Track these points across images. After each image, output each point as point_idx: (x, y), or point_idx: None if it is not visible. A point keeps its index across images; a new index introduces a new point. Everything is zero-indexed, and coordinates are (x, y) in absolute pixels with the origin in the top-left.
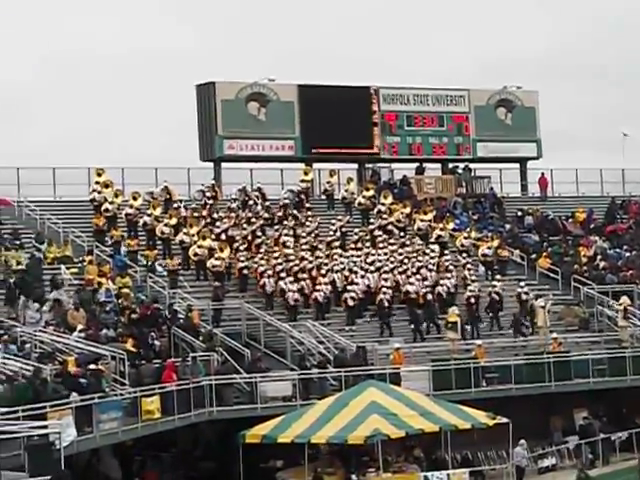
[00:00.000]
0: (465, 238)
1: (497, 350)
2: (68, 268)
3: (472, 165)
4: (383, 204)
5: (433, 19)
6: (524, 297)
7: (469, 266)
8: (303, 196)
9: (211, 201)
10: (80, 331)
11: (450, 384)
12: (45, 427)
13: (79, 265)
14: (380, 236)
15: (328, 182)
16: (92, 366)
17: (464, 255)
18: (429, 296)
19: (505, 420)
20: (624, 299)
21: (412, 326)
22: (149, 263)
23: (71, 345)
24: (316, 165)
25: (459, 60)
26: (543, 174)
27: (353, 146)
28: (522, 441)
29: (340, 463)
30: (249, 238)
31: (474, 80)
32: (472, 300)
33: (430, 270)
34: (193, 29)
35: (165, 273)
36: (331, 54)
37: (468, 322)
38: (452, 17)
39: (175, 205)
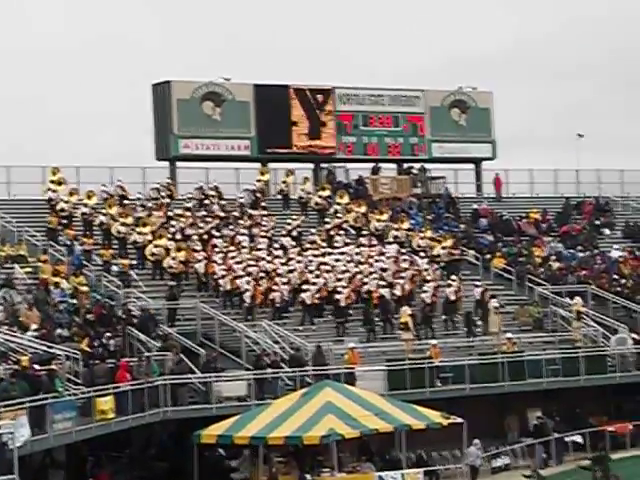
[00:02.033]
0: (421, 238)
1: (452, 350)
2: (22, 267)
3: (427, 165)
4: (339, 204)
5: (391, 17)
6: (479, 297)
7: (425, 266)
8: (259, 195)
9: (167, 200)
10: (34, 330)
11: (405, 384)
12: None
13: (33, 264)
14: (336, 236)
15: (284, 182)
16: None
17: (420, 255)
18: (385, 296)
19: (459, 420)
20: (577, 300)
21: (367, 326)
22: (104, 262)
23: (25, 345)
24: (272, 165)
25: (417, 58)
26: (497, 175)
27: (308, 146)
28: (476, 441)
29: (295, 463)
30: (205, 237)
31: (431, 79)
32: (427, 300)
33: (386, 270)
34: (150, 26)
35: (120, 272)
36: (287, 53)
37: (423, 322)
38: (411, 15)
39: (130, 204)
